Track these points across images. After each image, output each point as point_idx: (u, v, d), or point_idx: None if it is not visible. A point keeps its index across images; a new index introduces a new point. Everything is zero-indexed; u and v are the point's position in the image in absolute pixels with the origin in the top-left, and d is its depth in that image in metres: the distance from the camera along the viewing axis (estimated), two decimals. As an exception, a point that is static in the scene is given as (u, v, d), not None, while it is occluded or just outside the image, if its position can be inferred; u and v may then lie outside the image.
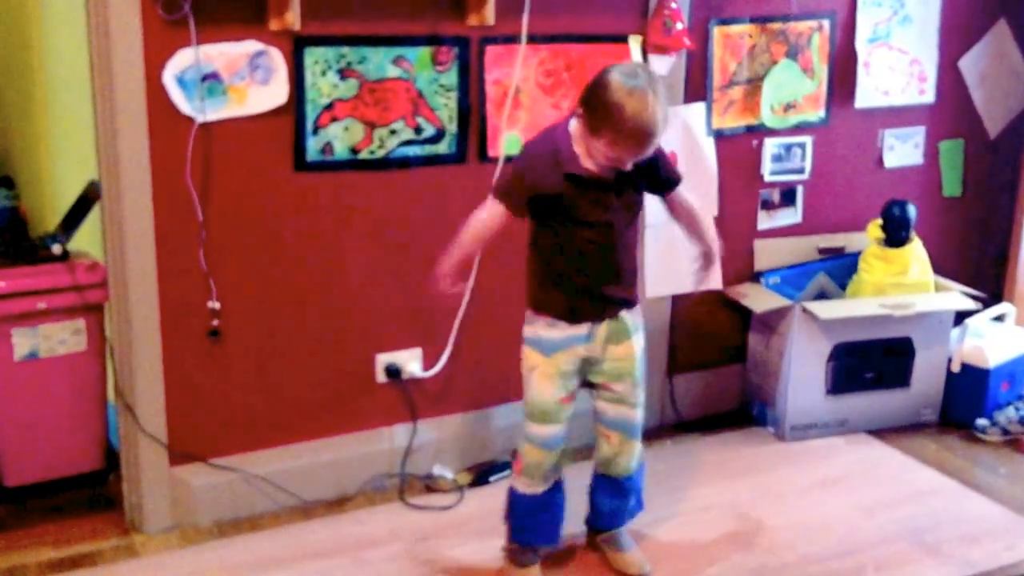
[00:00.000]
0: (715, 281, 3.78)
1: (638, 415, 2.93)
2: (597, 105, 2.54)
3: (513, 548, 2.94)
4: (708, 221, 2.94)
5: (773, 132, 3.81)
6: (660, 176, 2.78)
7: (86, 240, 3.30)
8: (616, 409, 2.90)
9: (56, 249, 3.20)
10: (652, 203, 3.58)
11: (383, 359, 3.36)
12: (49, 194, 3.90)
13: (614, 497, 3.00)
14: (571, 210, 2.67)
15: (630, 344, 2.84)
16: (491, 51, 3.25)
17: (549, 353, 2.79)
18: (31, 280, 3.14)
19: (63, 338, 3.19)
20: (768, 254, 3.93)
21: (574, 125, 2.65)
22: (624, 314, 2.83)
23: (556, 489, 2.93)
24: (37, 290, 3.13)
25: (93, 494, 3.30)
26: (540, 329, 2.79)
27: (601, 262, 2.74)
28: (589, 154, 2.62)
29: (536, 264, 2.80)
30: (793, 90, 3.80)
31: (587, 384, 2.90)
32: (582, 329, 2.77)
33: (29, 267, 3.17)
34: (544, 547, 2.97)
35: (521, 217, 2.74)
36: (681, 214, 2.90)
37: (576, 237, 2.70)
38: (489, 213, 2.75)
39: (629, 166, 2.62)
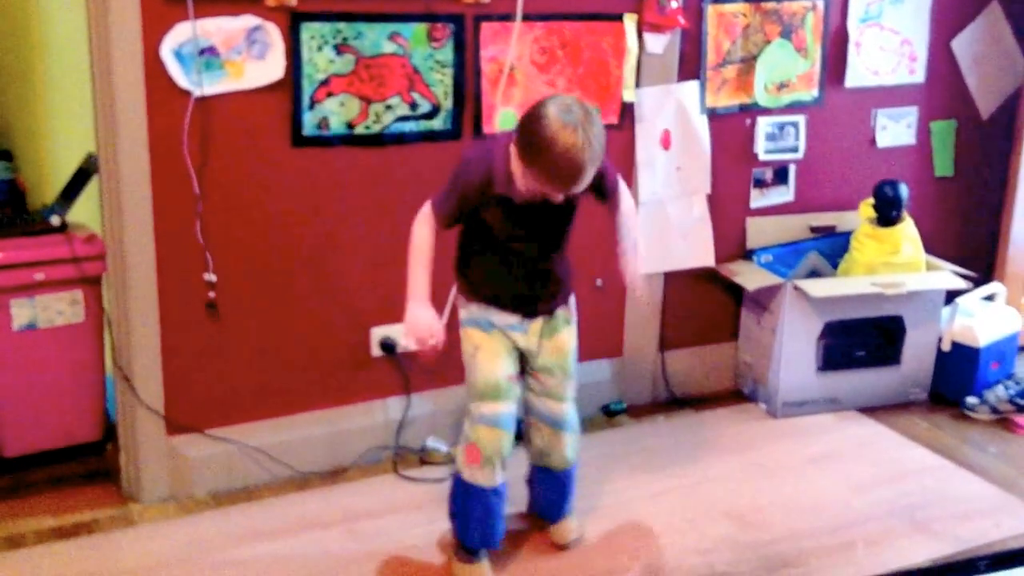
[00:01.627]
0: (707, 258, 3.82)
1: (567, 409, 2.90)
2: (530, 138, 2.50)
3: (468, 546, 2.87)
4: (635, 222, 2.88)
5: (766, 111, 3.83)
6: (600, 192, 2.78)
7: (84, 213, 3.32)
8: (543, 403, 2.89)
9: (55, 221, 3.21)
10: (646, 178, 3.63)
11: (378, 333, 3.39)
12: (47, 167, 3.92)
13: (553, 490, 2.97)
14: (499, 229, 2.68)
15: (561, 338, 2.84)
16: (486, 28, 3.26)
17: (489, 330, 2.78)
18: (30, 251, 3.16)
19: (61, 309, 3.21)
20: (760, 232, 3.94)
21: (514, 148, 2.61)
22: (558, 311, 2.84)
23: (505, 482, 2.83)
24: (35, 261, 3.15)
25: (91, 464, 3.33)
26: (475, 311, 2.79)
27: (527, 273, 2.75)
28: (522, 180, 2.59)
29: (464, 257, 2.80)
30: (786, 69, 3.81)
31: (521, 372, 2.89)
32: (515, 319, 2.78)
33: (28, 238, 3.19)
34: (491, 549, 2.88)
35: (447, 229, 2.74)
36: (616, 216, 2.84)
37: (502, 250, 2.72)
38: (430, 227, 2.71)
39: (560, 199, 2.59)
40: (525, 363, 2.86)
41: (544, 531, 3.04)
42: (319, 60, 3.08)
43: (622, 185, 2.85)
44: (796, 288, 3.69)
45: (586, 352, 3.14)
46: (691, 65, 3.65)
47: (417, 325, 2.69)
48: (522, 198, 2.62)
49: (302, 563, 2.90)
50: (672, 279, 3.83)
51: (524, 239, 2.71)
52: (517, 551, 2.96)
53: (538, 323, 2.80)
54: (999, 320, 4.04)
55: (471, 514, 2.80)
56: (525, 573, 2.89)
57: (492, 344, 2.77)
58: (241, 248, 3.14)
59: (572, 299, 2.89)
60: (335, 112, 3.14)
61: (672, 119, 3.63)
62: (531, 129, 2.50)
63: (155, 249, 3.03)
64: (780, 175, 3.95)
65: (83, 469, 3.31)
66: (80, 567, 2.85)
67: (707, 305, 3.96)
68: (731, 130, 3.79)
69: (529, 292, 2.77)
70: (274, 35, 3.01)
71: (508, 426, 2.76)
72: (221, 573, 2.85)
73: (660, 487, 3.33)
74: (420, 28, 3.19)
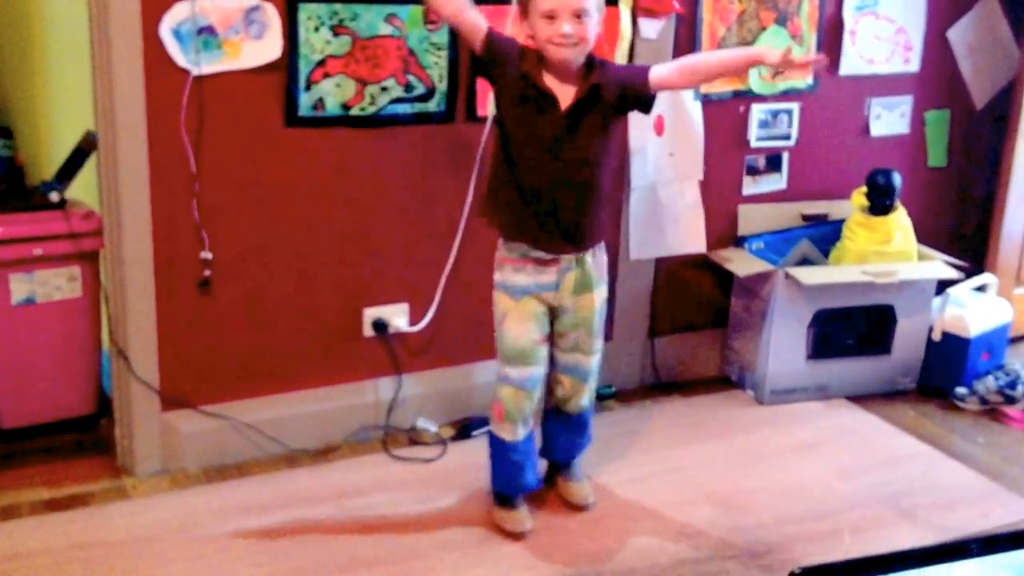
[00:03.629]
0: (699, 244, 3.84)
1: (592, 361, 3.02)
2: None
3: (500, 492, 3.03)
4: (711, 57, 2.96)
5: (760, 98, 3.83)
6: (632, 94, 2.80)
7: (82, 190, 3.34)
8: (570, 356, 2.99)
9: (53, 197, 3.23)
10: (638, 164, 3.64)
11: (370, 313, 3.41)
12: (46, 144, 3.93)
13: (567, 432, 3.12)
14: (524, 127, 2.74)
15: (592, 296, 2.92)
16: (483, 11, 3.25)
17: (519, 297, 2.87)
18: (28, 227, 3.18)
19: (58, 284, 3.23)
20: (752, 219, 3.95)
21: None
22: (588, 259, 2.89)
23: (531, 435, 3.01)
24: (34, 237, 3.17)
25: (85, 437, 3.37)
26: (508, 274, 2.88)
27: (552, 191, 2.77)
28: (538, 45, 2.71)
29: (494, 188, 2.88)
30: (781, 57, 3.81)
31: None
32: (550, 276, 2.86)
33: (26, 214, 3.21)
34: (526, 492, 3.05)
35: (480, 52, 2.80)
36: (683, 83, 2.94)
37: (533, 175, 2.77)
38: (482, 22, 2.80)
39: (568, 28, 2.64)
40: (554, 318, 2.93)
41: (554, 496, 3.14)
42: (316, 41, 3.10)
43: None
44: (787, 276, 3.70)
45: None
46: (686, 51, 3.60)
47: None
48: (545, 88, 2.71)
49: (292, 538, 2.93)
50: (663, 265, 3.84)
51: (555, 155, 2.74)
52: (505, 536, 2.98)
53: (571, 277, 2.86)
54: (990, 311, 4.05)
55: (497, 463, 3.00)
56: (511, 557, 2.91)
57: (520, 311, 2.86)
58: (236, 226, 3.17)
59: (604, 257, 2.95)
60: (331, 93, 3.16)
61: (666, 105, 3.63)
62: None
63: (152, 226, 3.06)
64: (773, 162, 3.96)
65: (78, 442, 3.35)
66: (73, 538, 2.88)
67: (697, 291, 3.97)
68: (724, 117, 3.80)
69: (559, 224, 2.80)
70: (272, 15, 3.03)
71: (533, 387, 2.92)
72: (212, 547, 2.88)
73: (647, 471, 3.35)
74: (416, 10, 3.20)
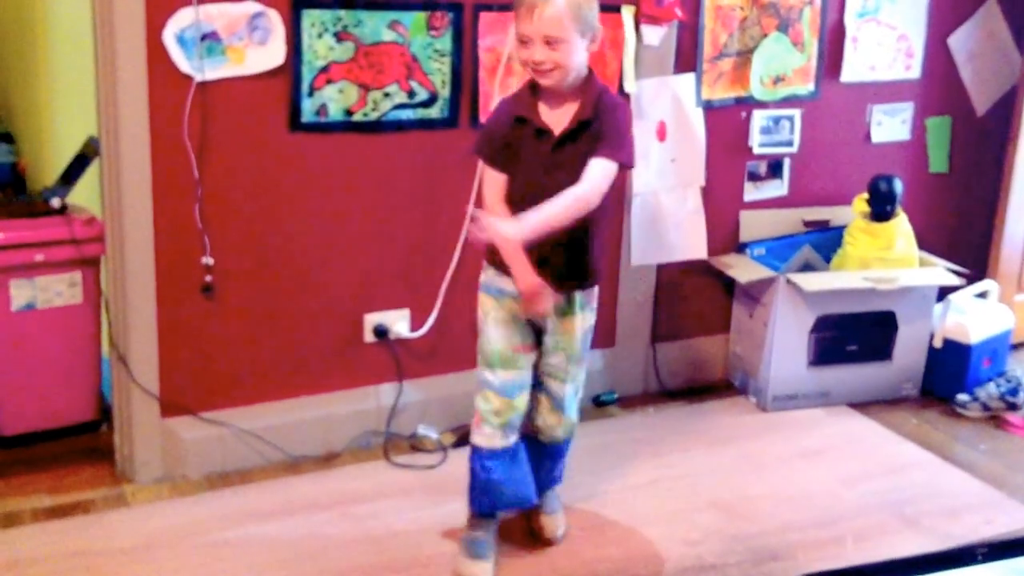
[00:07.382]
0: (700, 250, 3.84)
1: (568, 390, 2.87)
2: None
3: (468, 535, 2.86)
4: (562, 204, 2.57)
5: (762, 104, 3.84)
6: (601, 137, 2.62)
7: (84, 196, 3.34)
8: (547, 379, 2.86)
9: (55, 203, 3.24)
10: (641, 170, 3.64)
11: (371, 319, 3.41)
12: (49, 150, 3.94)
13: (537, 460, 2.93)
14: (519, 160, 2.64)
15: (572, 321, 2.80)
16: (485, 18, 3.29)
17: (500, 298, 2.76)
18: (30, 232, 3.18)
19: (60, 290, 3.23)
20: (754, 225, 3.95)
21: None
22: (575, 294, 2.77)
23: (518, 448, 2.85)
24: (35, 242, 3.17)
25: (86, 444, 3.36)
26: (491, 276, 2.78)
27: (550, 244, 2.62)
28: (524, 69, 2.63)
29: None
30: (783, 63, 3.82)
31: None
32: None
33: (28, 220, 3.21)
34: (516, 508, 2.92)
35: (492, 164, 2.69)
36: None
37: (526, 196, 2.62)
38: (484, 175, 2.73)
39: (539, 55, 2.53)
40: (540, 338, 2.83)
41: (531, 522, 3.02)
42: (319, 47, 3.10)
43: (607, 166, 2.61)
44: (789, 282, 3.70)
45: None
46: (688, 57, 3.66)
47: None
48: (542, 124, 2.61)
49: (293, 545, 2.92)
50: (665, 271, 3.84)
51: (543, 181, 2.61)
52: (506, 543, 2.95)
53: None
54: (991, 317, 4.05)
55: (477, 476, 2.82)
56: (514, 564, 2.90)
57: (501, 312, 2.76)
58: (238, 232, 3.16)
59: (595, 288, 2.84)
60: (334, 99, 3.16)
61: (668, 111, 3.65)
62: None
63: (154, 232, 3.06)
64: (774, 169, 3.96)
65: (78, 449, 3.34)
66: (75, 546, 2.87)
67: (699, 297, 3.97)
68: (726, 123, 3.81)
69: (547, 264, 2.66)
70: (275, 21, 3.03)
71: (510, 394, 2.77)
72: (213, 554, 2.87)
73: (650, 478, 3.34)
74: (420, 16, 3.21)
